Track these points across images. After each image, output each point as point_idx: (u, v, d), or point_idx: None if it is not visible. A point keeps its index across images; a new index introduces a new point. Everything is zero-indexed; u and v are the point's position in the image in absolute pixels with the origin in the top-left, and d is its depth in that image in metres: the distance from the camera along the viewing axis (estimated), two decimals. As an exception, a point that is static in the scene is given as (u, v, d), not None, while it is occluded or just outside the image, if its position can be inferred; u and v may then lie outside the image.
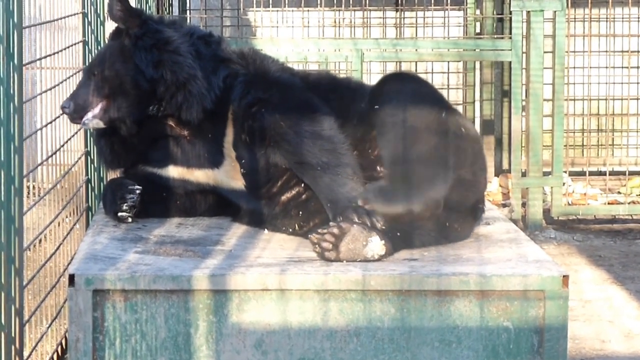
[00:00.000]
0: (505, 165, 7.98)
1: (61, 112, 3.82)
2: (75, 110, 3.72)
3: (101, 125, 3.73)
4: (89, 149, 4.40)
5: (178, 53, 3.69)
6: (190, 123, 3.70)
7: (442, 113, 3.60)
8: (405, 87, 3.67)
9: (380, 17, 7.92)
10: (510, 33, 6.90)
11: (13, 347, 3.11)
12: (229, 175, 3.74)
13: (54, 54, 4.06)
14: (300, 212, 3.62)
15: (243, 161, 3.67)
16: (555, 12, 6.71)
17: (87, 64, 4.36)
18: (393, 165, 3.48)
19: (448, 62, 7.71)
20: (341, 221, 3.33)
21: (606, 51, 7.36)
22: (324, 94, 3.71)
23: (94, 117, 3.71)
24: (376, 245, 3.30)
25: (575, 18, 7.78)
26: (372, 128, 3.61)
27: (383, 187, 3.43)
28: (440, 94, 3.82)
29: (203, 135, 3.73)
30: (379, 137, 3.56)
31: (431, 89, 3.81)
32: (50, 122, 4.01)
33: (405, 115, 3.55)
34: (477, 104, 8.08)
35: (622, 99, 7.65)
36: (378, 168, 3.58)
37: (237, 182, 3.73)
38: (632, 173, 7.31)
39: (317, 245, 3.29)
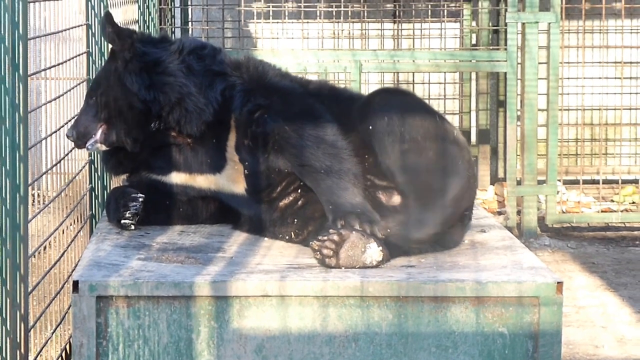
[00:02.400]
0: (500, 174, 7.98)
1: (67, 137, 3.87)
2: (78, 137, 3.78)
3: (103, 148, 3.79)
4: (92, 157, 4.42)
5: (167, 74, 3.71)
6: (191, 135, 3.73)
7: (433, 123, 3.62)
8: (393, 101, 3.69)
9: (379, 29, 7.92)
10: (506, 44, 6.92)
11: (18, 352, 3.12)
12: (231, 180, 3.76)
13: (58, 64, 4.08)
14: (296, 220, 3.65)
15: (246, 163, 3.69)
16: (549, 24, 6.74)
17: (90, 75, 4.39)
18: (408, 176, 3.49)
19: (445, 72, 7.73)
20: (341, 228, 3.36)
21: (600, 62, 7.39)
22: (325, 101, 3.74)
23: (95, 142, 3.77)
24: (374, 251, 3.33)
25: (569, 30, 7.79)
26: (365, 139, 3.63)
27: (401, 219, 3.43)
28: (427, 104, 3.83)
29: (205, 142, 3.75)
30: (377, 151, 3.58)
31: (419, 101, 3.82)
32: (55, 132, 4.03)
33: (397, 128, 3.57)
34: (473, 114, 8.10)
35: (615, 109, 7.68)
36: (368, 176, 3.60)
37: (239, 186, 3.75)
38: (625, 181, 7.35)
39: (318, 252, 3.33)
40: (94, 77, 4.36)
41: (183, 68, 3.72)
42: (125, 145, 3.77)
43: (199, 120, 3.70)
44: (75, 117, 3.87)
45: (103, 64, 3.92)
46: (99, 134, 3.76)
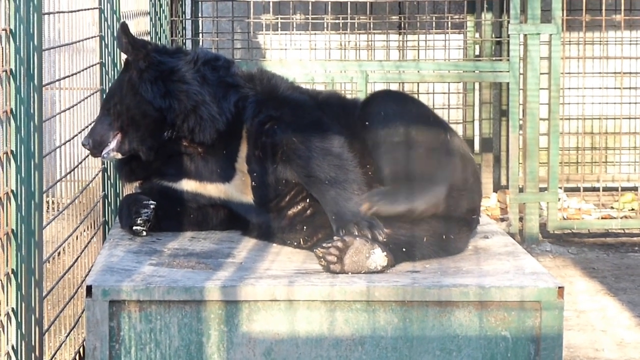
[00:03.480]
0: (503, 182, 7.99)
1: (82, 138, 3.89)
2: (94, 146, 3.81)
3: (119, 156, 3.82)
4: (105, 165, 4.43)
5: (183, 81, 3.74)
6: (204, 144, 3.76)
7: (429, 124, 3.67)
8: (391, 103, 3.74)
9: (384, 40, 7.94)
10: (508, 55, 6.98)
11: (33, 356, 3.13)
12: (239, 190, 3.80)
13: (72, 75, 4.09)
14: (305, 227, 3.69)
15: (255, 174, 3.72)
16: (551, 35, 6.77)
17: (103, 86, 4.41)
18: (392, 172, 3.55)
19: (449, 83, 7.73)
20: (344, 234, 3.39)
21: (600, 73, 7.41)
22: (334, 112, 3.78)
23: (111, 151, 3.80)
24: (379, 257, 3.36)
25: (570, 41, 7.82)
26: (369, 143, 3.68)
27: (386, 190, 3.51)
28: (426, 107, 3.88)
29: (216, 152, 3.78)
30: (374, 151, 3.64)
31: (417, 103, 3.87)
32: (69, 140, 4.04)
33: (394, 128, 3.63)
34: (477, 123, 8.11)
35: (615, 118, 7.69)
36: (374, 185, 3.62)
37: (247, 196, 3.79)
38: (624, 189, 7.38)
39: (322, 259, 3.36)
40: (108, 87, 4.42)
41: (198, 77, 3.76)
42: (139, 153, 3.80)
43: (212, 128, 3.73)
44: (91, 126, 3.90)
45: (117, 75, 3.95)
46: (114, 143, 3.79)
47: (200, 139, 3.75)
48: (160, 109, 3.74)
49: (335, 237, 3.40)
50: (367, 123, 3.68)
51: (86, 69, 4.28)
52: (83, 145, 3.86)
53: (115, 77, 4.47)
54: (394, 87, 7.89)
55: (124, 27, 3.81)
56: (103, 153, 3.82)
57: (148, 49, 3.82)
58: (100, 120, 3.85)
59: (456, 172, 3.63)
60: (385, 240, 3.41)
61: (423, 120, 3.68)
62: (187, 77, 3.75)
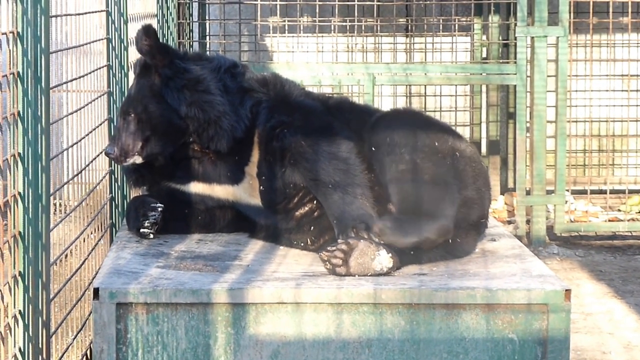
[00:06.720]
0: (510, 184, 8.03)
1: (106, 155, 3.89)
2: (120, 154, 3.79)
3: (139, 160, 3.81)
4: (112, 168, 4.44)
5: (209, 92, 3.75)
6: (219, 152, 3.77)
7: (438, 138, 3.66)
8: (400, 119, 3.75)
9: (391, 43, 7.98)
10: (515, 58, 7.01)
11: (40, 358, 3.13)
12: (247, 192, 3.82)
13: (79, 77, 4.10)
14: (312, 228, 3.70)
15: (263, 178, 3.74)
16: (558, 37, 6.80)
17: (110, 88, 4.41)
18: (401, 195, 3.55)
19: (456, 85, 7.76)
20: (348, 237, 3.40)
21: (607, 75, 7.41)
22: (345, 118, 3.79)
23: (134, 155, 3.79)
24: (384, 258, 3.37)
25: (577, 44, 7.86)
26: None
27: (396, 219, 3.48)
28: (436, 124, 3.86)
29: (227, 155, 3.79)
30: (386, 167, 3.62)
31: (426, 122, 3.85)
32: (76, 143, 4.04)
33: (404, 145, 3.62)
34: (484, 126, 8.15)
35: (622, 121, 7.72)
36: (376, 188, 3.64)
37: (255, 199, 3.80)
38: (631, 191, 7.40)
39: (327, 262, 3.37)
40: (116, 90, 4.42)
41: (220, 87, 3.78)
42: (159, 159, 3.82)
43: (230, 137, 3.75)
44: (113, 134, 3.88)
45: (134, 80, 3.89)
46: (138, 150, 3.78)
47: (217, 148, 3.77)
48: (186, 117, 3.75)
49: (339, 240, 3.41)
50: (372, 143, 3.68)
51: (93, 71, 4.29)
52: (107, 154, 3.84)
53: (123, 80, 4.49)
54: (401, 89, 7.91)
55: (149, 30, 3.77)
56: (128, 159, 3.80)
57: (171, 54, 3.81)
58: (123, 127, 3.83)
59: (469, 185, 3.62)
60: (383, 242, 3.40)
61: (432, 141, 3.66)
62: (211, 87, 3.76)
